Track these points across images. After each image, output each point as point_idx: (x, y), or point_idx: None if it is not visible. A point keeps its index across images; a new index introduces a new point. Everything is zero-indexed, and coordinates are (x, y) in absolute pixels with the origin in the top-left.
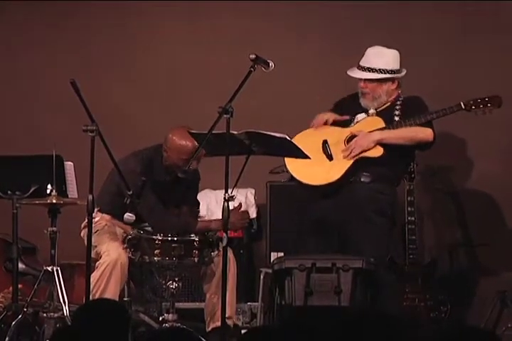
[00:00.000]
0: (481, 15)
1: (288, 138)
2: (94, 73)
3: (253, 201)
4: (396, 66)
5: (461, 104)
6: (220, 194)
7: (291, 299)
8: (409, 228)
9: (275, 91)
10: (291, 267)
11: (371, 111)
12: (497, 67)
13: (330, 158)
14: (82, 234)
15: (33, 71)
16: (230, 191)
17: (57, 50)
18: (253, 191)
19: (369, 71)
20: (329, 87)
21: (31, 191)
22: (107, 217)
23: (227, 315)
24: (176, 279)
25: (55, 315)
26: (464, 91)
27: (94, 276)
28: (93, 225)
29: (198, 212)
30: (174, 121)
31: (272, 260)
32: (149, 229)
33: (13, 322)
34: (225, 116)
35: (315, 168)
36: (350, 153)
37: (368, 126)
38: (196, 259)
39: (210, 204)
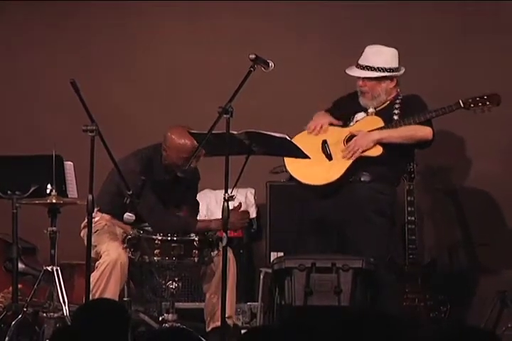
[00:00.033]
0: (481, 15)
1: (288, 138)
2: (94, 73)
3: (253, 201)
4: (395, 64)
5: (460, 102)
6: (220, 194)
7: (291, 299)
8: (409, 228)
9: (275, 91)
10: (291, 267)
11: (370, 110)
12: (497, 67)
13: (329, 158)
14: (81, 234)
15: (33, 71)
16: (230, 191)
17: (57, 50)
18: (253, 191)
19: (368, 69)
20: (329, 87)
21: (31, 191)
22: (106, 216)
23: (227, 315)
24: (176, 279)
25: (55, 315)
26: (464, 91)
27: (94, 276)
28: (93, 225)
29: (198, 211)
30: (174, 121)
31: (271, 260)
32: (149, 229)
33: (13, 322)
34: (225, 116)
35: (315, 168)
36: (350, 152)
37: (367, 125)
38: (196, 259)
39: (210, 204)
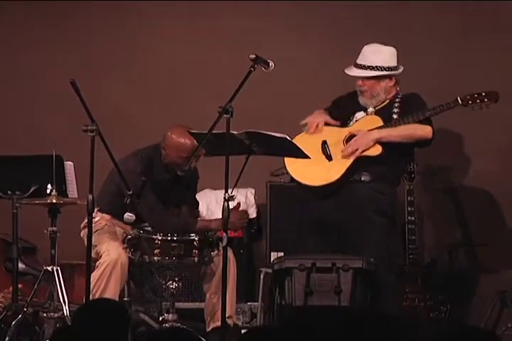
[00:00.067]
0: (481, 15)
1: (288, 138)
2: (94, 73)
3: (253, 201)
4: (393, 63)
5: (458, 99)
6: (220, 194)
7: (291, 299)
8: (409, 228)
9: (275, 91)
10: (291, 267)
11: (370, 109)
12: (497, 67)
13: (329, 158)
14: (82, 234)
15: (33, 71)
16: (230, 191)
17: (57, 50)
18: (253, 191)
19: (366, 69)
20: (329, 87)
21: (31, 191)
22: (106, 216)
23: (227, 315)
24: (176, 279)
25: (55, 315)
26: (464, 91)
27: (94, 276)
28: (93, 225)
29: (198, 211)
30: (174, 121)
31: (271, 260)
32: (149, 229)
33: (13, 322)
34: (225, 116)
35: (315, 169)
36: (350, 152)
37: (366, 125)
38: (196, 259)
39: (210, 204)
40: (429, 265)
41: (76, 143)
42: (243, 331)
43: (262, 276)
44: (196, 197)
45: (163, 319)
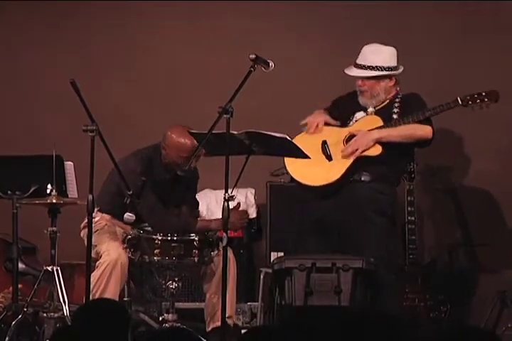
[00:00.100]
0: (481, 15)
1: (288, 138)
2: (94, 73)
3: (253, 201)
4: (393, 63)
5: (458, 99)
6: (220, 194)
7: (291, 299)
8: (409, 228)
9: (275, 91)
10: (291, 267)
11: (370, 109)
12: (497, 67)
13: (329, 158)
14: (81, 234)
15: (33, 71)
16: (230, 191)
17: (57, 50)
18: (253, 191)
19: (366, 69)
20: (329, 87)
21: (31, 191)
22: (106, 216)
23: (227, 315)
24: (176, 279)
25: (55, 315)
26: (464, 91)
27: (94, 276)
28: (93, 225)
29: (198, 211)
30: (174, 121)
31: (272, 260)
32: (149, 228)
33: (13, 322)
34: (225, 116)
35: (315, 169)
36: (350, 152)
37: (366, 125)
38: (196, 259)
39: (210, 204)
40: (429, 265)
41: (76, 143)
42: (243, 331)
43: (262, 276)
44: (196, 197)
45: (163, 319)
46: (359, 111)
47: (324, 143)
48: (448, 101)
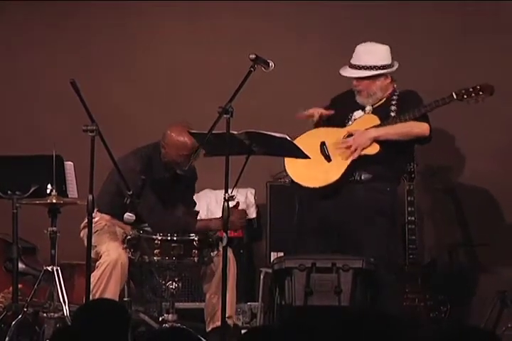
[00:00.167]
0: (481, 15)
1: (288, 138)
2: (94, 73)
3: (253, 201)
4: (387, 61)
5: (453, 94)
6: (220, 194)
7: (291, 299)
8: (409, 228)
9: (275, 91)
10: (291, 267)
11: (368, 108)
12: (497, 67)
13: (328, 159)
14: (81, 235)
15: (33, 71)
16: (230, 191)
17: (57, 50)
18: (253, 191)
19: (360, 69)
20: (329, 87)
21: (31, 191)
22: (106, 217)
23: (227, 315)
24: (176, 279)
25: (55, 315)
26: None
27: (94, 276)
28: (93, 225)
29: (198, 211)
30: (174, 121)
31: (272, 260)
32: (149, 229)
33: (13, 322)
34: (225, 116)
35: (314, 170)
36: (349, 152)
37: (364, 124)
38: (196, 259)
39: (210, 204)
40: (429, 265)
41: (76, 143)
42: (243, 331)
43: (262, 276)
44: (194, 197)
45: (163, 319)
46: (357, 109)
47: (323, 144)
48: (443, 97)
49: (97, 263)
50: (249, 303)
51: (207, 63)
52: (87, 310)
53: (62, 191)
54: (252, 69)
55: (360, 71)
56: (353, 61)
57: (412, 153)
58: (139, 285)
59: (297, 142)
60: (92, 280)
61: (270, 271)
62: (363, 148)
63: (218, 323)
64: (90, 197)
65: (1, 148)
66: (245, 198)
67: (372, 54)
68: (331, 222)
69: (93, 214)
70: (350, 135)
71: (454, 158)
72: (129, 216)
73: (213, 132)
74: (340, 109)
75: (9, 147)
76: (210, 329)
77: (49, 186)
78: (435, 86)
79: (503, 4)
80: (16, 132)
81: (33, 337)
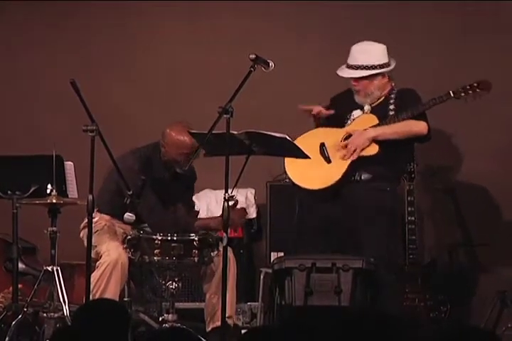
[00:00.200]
0: (481, 15)
1: (288, 138)
2: (94, 73)
3: (253, 201)
4: (384, 60)
5: (450, 92)
6: (220, 194)
7: (291, 299)
8: (409, 228)
9: (275, 91)
10: (291, 267)
11: (366, 107)
12: (497, 67)
13: (328, 160)
14: (81, 235)
15: (33, 71)
16: (230, 191)
17: (57, 50)
18: (253, 191)
19: (357, 69)
20: (329, 87)
21: (31, 191)
22: (106, 217)
23: (227, 315)
24: (176, 279)
25: (55, 315)
26: None
27: (94, 276)
28: (93, 225)
29: (198, 211)
30: (174, 121)
31: (272, 260)
32: (149, 229)
33: (14, 322)
34: (225, 116)
35: (314, 172)
36: (349, 153)
37: (362, 124)
38: (196, 259)
39: (210, 205)
40: (429, 265)
41: (76, 143)
42: (243, 331)
43: (262, 276)
44: (194, 197)
45: (163, 319)
46: (356, 109)
47: (322, 145)
48: (441, 95)
49: (97, 263)
50: (249, 303)
51: (207, 63)
52: (87, 310)
53: (62, 191)
54: (252, 69)
55: (357, 71)
56: (349, 61)
57: (412, 153)
58: (139, 285)
59: (297, 142)
60: (92, 280)
61: (270, 271)
62: (362, 149)
63: (218, 323)
64: (90, 197)
65: (1, 148)
66: (245, 198)
67: (369, 53)
68: (331, 222)
69: (93, 214)
70: (349, 135)
71: (453, 158)
72: (129, 216)
73: (213, 132)
74: (340, 109)
75: (9, 147)
76: (210, 329)
77: (49, 186)
78: (435, 86)
79: (503, 4)
80: (16, 132)
81: (33, 337)
